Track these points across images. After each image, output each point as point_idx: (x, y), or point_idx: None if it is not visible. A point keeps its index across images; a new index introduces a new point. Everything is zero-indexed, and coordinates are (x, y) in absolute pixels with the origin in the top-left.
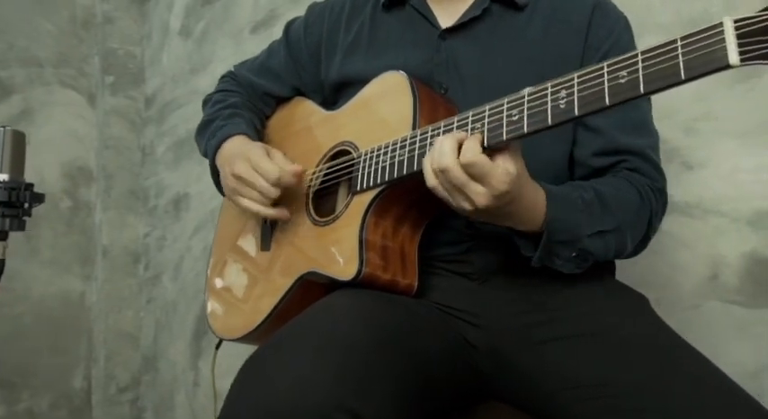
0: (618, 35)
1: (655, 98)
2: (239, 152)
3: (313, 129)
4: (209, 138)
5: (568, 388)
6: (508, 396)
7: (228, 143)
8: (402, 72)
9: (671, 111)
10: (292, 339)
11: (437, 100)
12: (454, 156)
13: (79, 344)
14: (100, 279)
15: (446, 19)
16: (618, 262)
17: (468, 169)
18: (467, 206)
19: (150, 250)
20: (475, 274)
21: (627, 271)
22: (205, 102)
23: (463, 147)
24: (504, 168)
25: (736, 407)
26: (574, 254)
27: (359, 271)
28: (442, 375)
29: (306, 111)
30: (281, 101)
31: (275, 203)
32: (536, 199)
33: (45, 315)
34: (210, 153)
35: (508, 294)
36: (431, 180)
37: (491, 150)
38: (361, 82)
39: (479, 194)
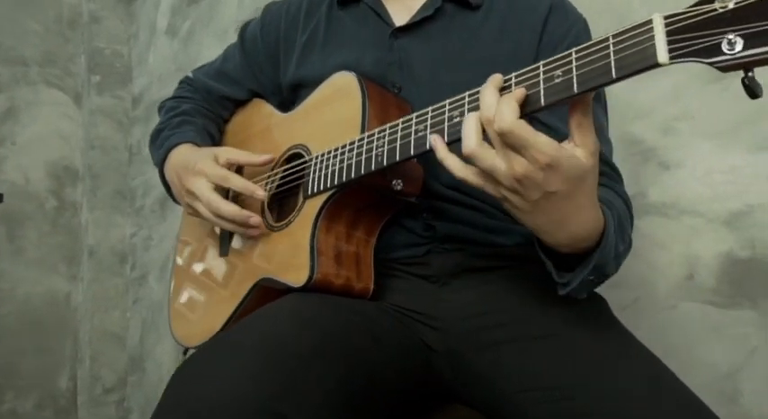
0: (576, 35)
1: (632, 97)
2: (185, 163)
3: (268, 132)
4: (158, 148)
5: (523, 391)
6: (468, 399)
7: (175, 152)
8: (352, 72)
9: (648, 110)
10: (225, 343)
11: (389, 100)
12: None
13: (65, 345)
14: (86, 279)
15: (400, 17)
16: None
17: (504, 138)
18: (509, 184)
19: (137, 250)
20: (434, 277)
21: None
22: (160, 109)
23: (497, 110)
24: (548, 139)
25: (685, 410)
26: (591, 277)
27: (310, 277)
28: (395, 378)
29: (262, 113)
30: (240, 104)
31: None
32: (593, 222)
33: (30, 315)
34: (158, 164)
35: (466, 296)
36: (457, 166)
37: None
38: (316, 82)
39: (518, 162)
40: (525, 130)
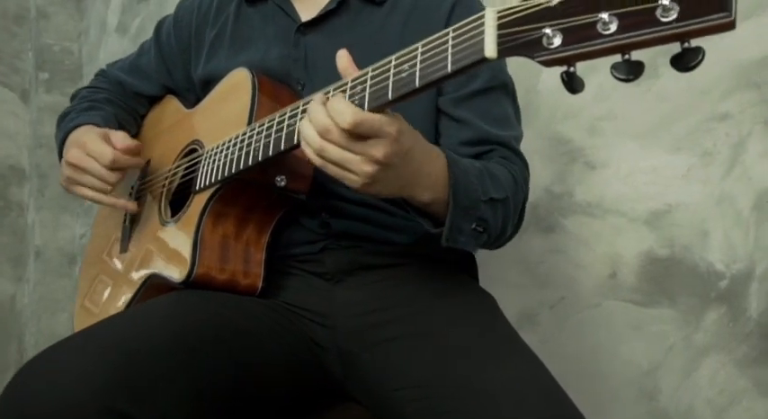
0: None
1: (560, 96)
2: (77, 139)
3: (175, 128)
4: (62, 130)
5: (401, 389)
6: (359, 397)
7: (73, 134)
8: (246, 68)
9: (575, 110)
10: (73, 342)
11: (283, 96)
12: (328, 117)
13: (9, 348)
14: (32, 281)
15: (307, 13)
16: (523, 262)
17: (356, 131)
18: (367, 168)
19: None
20: (328, 274)
21: (533, 270)
22: (73, 97)
23: (335, 111)
24: (384, 115)
25: (550, 409)
26: (473, 226)
27: (190, 272)
28: (276, 376)
29: (171, 109)
30: (155, 100)
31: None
32: (435, 155)
33: None
34: (58, 147)
35: (359, 294)
36: (313, 158)
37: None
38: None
39: (374, 146)
40: (369, 116)
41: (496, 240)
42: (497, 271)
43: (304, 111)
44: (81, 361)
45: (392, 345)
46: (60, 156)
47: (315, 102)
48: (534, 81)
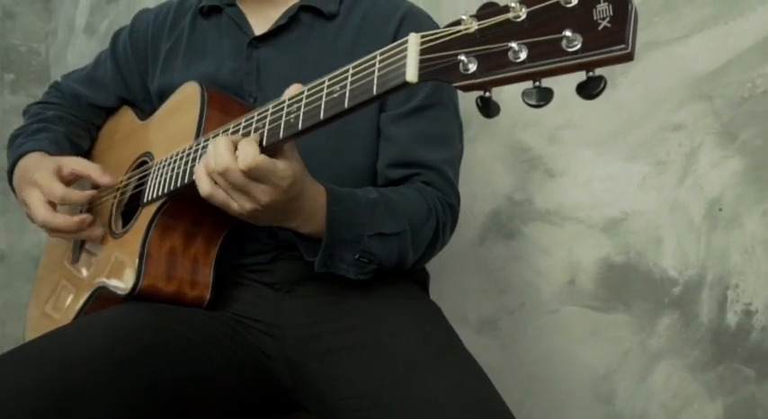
0: None
1: (521, 104)
2: (25, 173)
3: (128, 140)
4: (11, 155)
5: (347, 398)
6: (308, 406)
7: (22, 162)
8: (196, 82)
9: (536, 118)
10: (19, 354)
11: (233, 110)
12: (232, 156)
13: None
14: None
15: (260, 27)
16: (485, 269)
17: (250, 174)
18: (249, 206)
19: None
20: (278, 284)
21: (494, 277)
22: (24, 114)
23: (240, 151)
24: (284, 164)
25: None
26: (357, 256)
27: (135, 284)
28: (221, 386)
29: (126, 121)
30: (111, 111)
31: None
32: (317, 195)
33: None
34: (8, 172)
35: (309, 304)
36: (205, 186)
37: (269, 149)
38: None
39: (263, 192)
40: (264, 163)
41: (397, 267)
42: (459, 277)
43: (247, 127)
44: (17, 375)
45: (339, 355)
46: (10, 181)
47: (222, 143)
48: (497, 90)
